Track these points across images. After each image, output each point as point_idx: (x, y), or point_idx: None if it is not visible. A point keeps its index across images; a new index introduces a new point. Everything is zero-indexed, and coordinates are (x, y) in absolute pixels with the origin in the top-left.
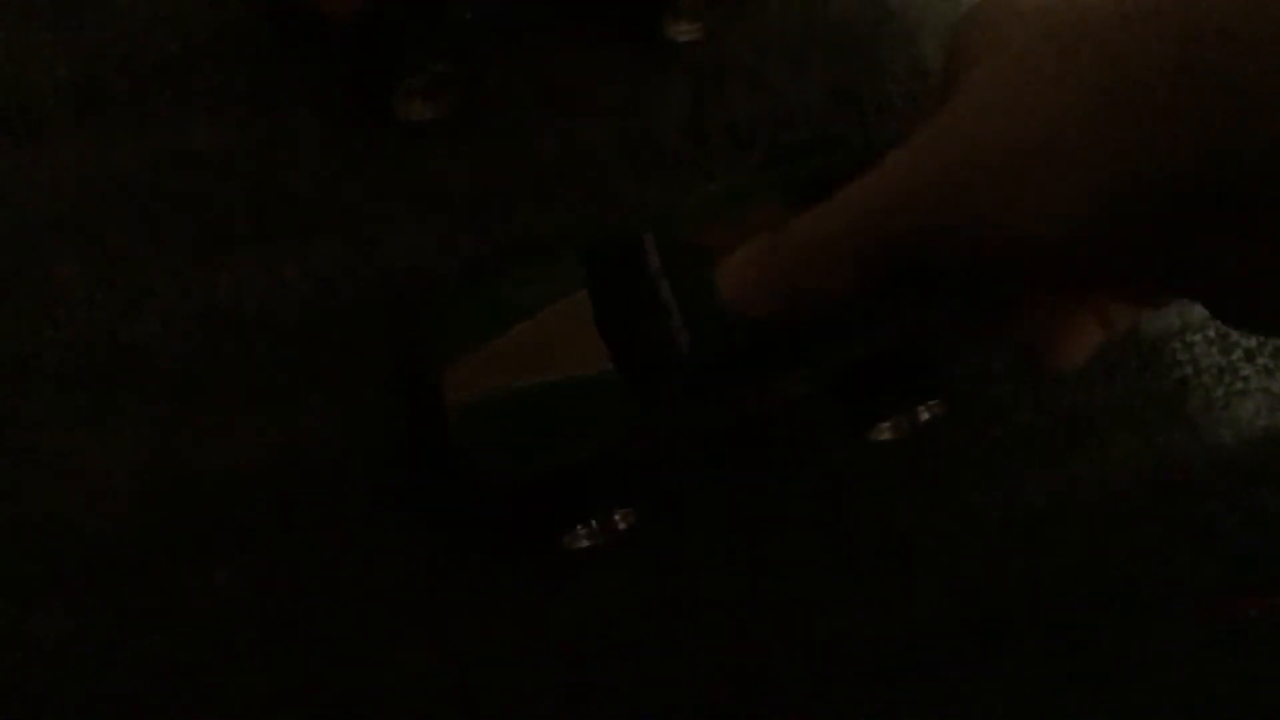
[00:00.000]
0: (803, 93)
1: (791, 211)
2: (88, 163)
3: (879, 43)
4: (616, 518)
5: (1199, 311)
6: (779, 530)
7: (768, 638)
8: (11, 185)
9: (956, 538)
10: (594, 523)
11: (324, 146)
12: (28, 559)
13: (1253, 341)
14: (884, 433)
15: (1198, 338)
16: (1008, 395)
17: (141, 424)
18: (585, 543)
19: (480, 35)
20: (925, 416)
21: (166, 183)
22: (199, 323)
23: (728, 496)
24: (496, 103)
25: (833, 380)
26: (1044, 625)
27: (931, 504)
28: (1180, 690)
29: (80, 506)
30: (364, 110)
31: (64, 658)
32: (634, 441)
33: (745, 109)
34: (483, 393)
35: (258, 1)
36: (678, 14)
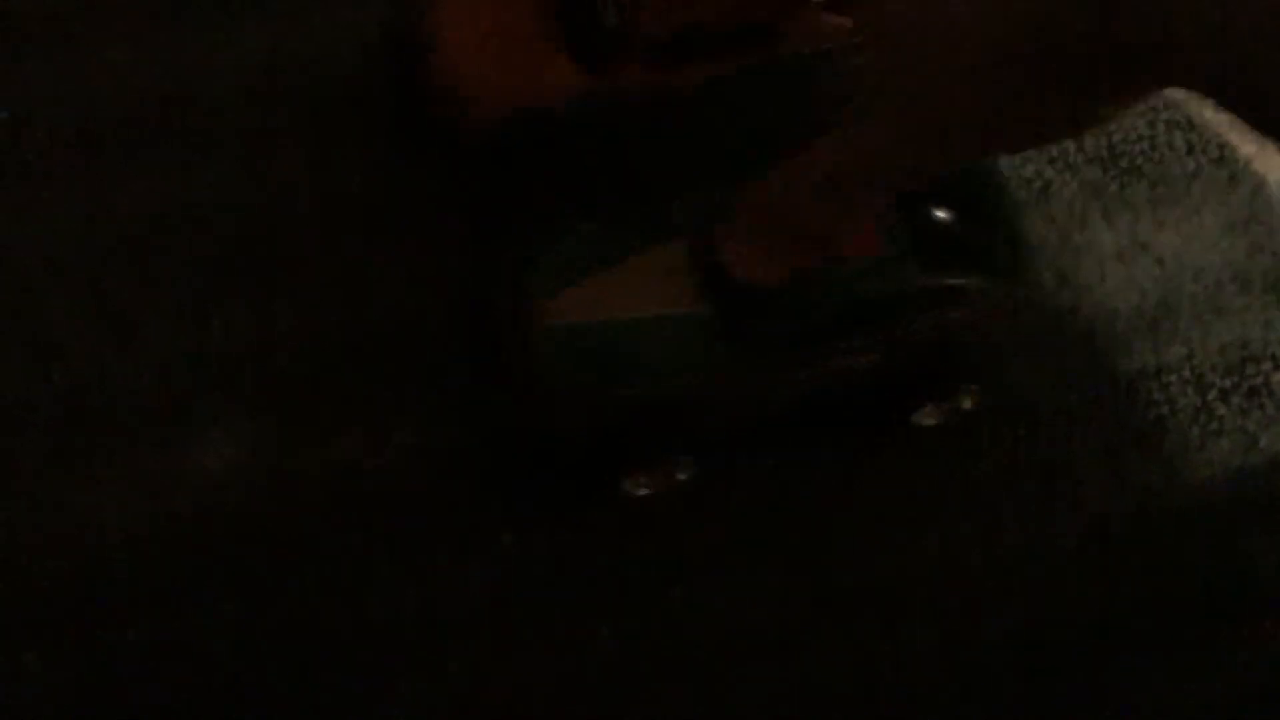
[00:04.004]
0: None
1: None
2: (87, 208)
3: None
4: (677, 467)
5: (1174, 352)
6: (764, 566)
7: (749, 681)
8: (7, 226)
9: (938, 581)
10: (657, 470)
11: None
12: (13, 602)
13: (1227, 382)
14: (928, 417)
15: (1173, 378)
16: (987, 435)
17: (130, 466)
18: (645, 490)
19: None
20: (968, 405)
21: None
22: (190, 366)
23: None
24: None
25: (899, 357)
26: (1029, 670)
27: (912, 546)
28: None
29: (70, 549)
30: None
31: (49, 704)
32: (714, 384)
33: None
34: (575, 321)
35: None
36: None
